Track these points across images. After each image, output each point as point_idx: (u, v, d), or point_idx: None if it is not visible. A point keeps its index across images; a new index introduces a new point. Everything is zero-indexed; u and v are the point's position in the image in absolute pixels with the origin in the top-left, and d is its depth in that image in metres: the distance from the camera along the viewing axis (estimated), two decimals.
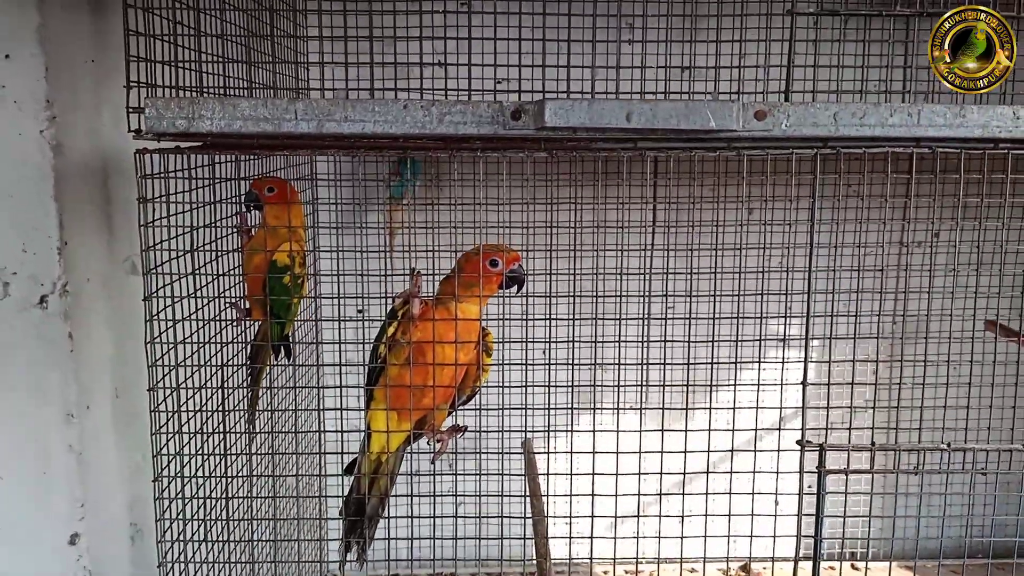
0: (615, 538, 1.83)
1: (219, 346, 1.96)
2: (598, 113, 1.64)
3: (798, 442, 1.85)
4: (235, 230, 2.32)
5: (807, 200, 1.80)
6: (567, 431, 2.12)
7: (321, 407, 1.79)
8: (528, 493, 2.74)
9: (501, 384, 1.86)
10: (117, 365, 2.96)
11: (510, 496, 1.98)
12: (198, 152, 1.82)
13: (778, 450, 1.88)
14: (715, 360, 1.81)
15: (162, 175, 1.78)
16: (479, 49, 2.12)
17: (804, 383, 1.83)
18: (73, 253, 2.95)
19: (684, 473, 1.87)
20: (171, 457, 1.85)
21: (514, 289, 1.94)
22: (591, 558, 1.75)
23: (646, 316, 1.82)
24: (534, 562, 2.39)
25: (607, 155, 1.79)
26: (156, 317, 1.81)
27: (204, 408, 1.90)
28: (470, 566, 2.90)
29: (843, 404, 1.97)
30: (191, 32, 1.87)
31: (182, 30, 1.85)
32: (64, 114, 2.86)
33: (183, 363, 1.84)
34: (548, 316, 1.85)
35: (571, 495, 1.84)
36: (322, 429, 1.86)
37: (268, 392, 2.37)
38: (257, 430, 2.34)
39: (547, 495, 2.17)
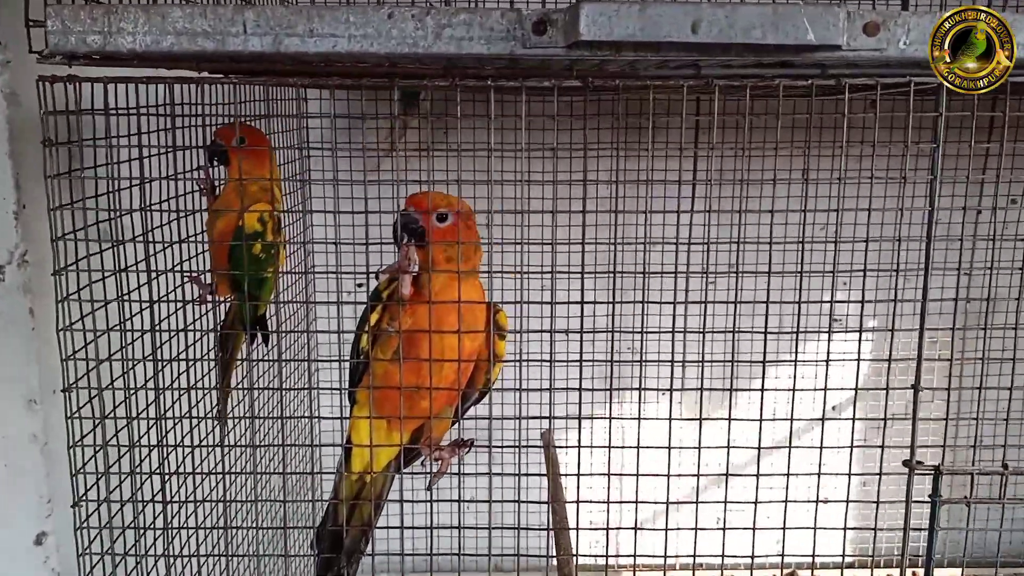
0: (636, 554, 1.40)
1: (162, 335, 1.54)
2: (653, 21, 1.19)
3: (906, 463, 1.42)
4: (197, 188, 1.91)
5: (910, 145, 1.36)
6: (584, 418, 1.68)
7: (283, 414, 1.37)
8: (549, 498, 2.36)
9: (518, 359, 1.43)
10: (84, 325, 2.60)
11: (509, 498, 1.52)
12: (119, 81, 1.40)
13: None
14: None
15: (76, 112, 1.37)
16: None
17: (916, 387, 1.39)
18: (33, 218, 2.57)
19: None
20: (98, 476, 1.45)
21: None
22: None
23: (703, 298, 1.39)
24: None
25: (661, 84, 1.34)
26: (72, 297, 1.41)
27: (142, 415, 1.50)
28: None
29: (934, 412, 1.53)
30: None
31: None
32: (19, 58, 2.45)
33: (114, 356, 1.44)
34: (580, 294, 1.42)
35: (608, 501, 1.42)
36: (283, 443, 1.44)
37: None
38: (227, 438, 1.95)
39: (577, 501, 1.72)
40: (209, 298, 1.91)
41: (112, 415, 1.50)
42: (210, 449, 1.71)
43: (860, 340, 1.39)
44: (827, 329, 1.38)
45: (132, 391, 1.53)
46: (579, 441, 1.44)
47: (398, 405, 1.45)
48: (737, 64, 1.32)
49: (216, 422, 1.95)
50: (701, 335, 1.43)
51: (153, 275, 1.59)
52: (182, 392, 1.60)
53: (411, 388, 1.45)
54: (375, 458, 1.54)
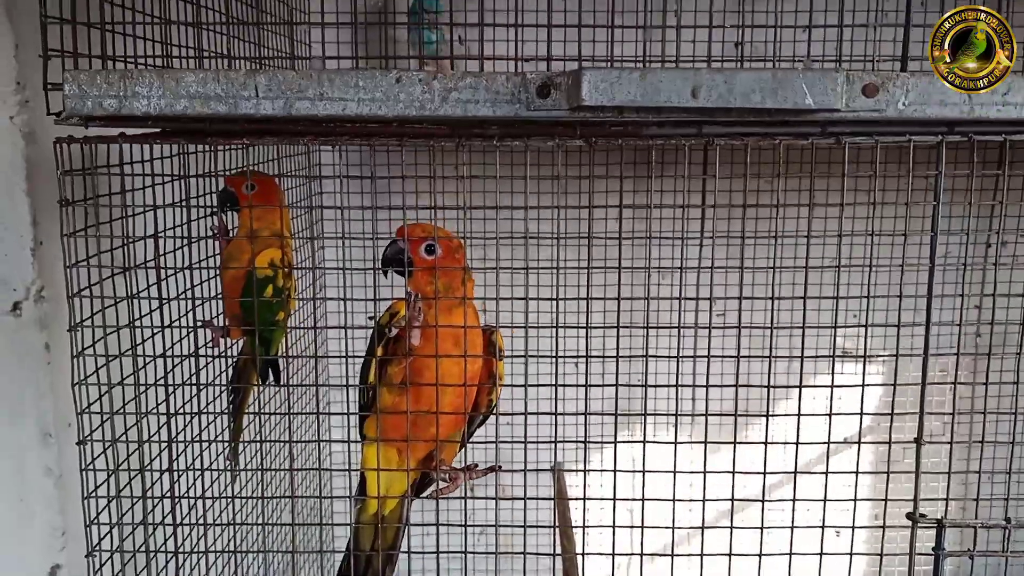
0: None
1: (169, 388, 1.56)
2: (653, 87, 1.22)
3: (909, 515, 1.42)
4: (212, 235, 1.95)
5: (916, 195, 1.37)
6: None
7: (292, 466, 1.38)
8: (557, 532, 2.35)
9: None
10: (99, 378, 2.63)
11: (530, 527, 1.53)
12: (132, 141, 1.43)
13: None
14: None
15: (91, 171, 1.40)
16: (504, 20, 1.68)
17: (919, 440, 1.40)
18: (49, 254, 2.61)
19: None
20: (112, 526, 1.48)
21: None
22: None
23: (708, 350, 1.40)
24: None
25: (663, 143, 1.37)
26: (87, 352, 1.44)
27: (149, 467, 1.52)
28: None
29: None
30: None
31: None
32: (37, 98, 2.50)
33: (122, 410, 1.47)
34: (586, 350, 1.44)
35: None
36: (292, 494, 1.46)
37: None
38: (239, 468, 1.97)
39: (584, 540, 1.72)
40: (222, 342, 1.94)
41: (125, 464, 1.52)
42: (217, 499, 1.73)
43: (863, 395, 1.40)
44: (830, 385, 1.39)
45: (144, 440, 1.55)
46: (585, 467, 1.45)
47: (406, 432, 1.48)
48: (735, 124, 1.34)
49: (227, 466, 1.97)
50: (706, 381, 1.45)
51: (155, 329, 1.62)
52: (191, 442, 1.63)
53: (419, 410, 1.46)
54: (389, 489, 1.57)
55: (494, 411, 1.66)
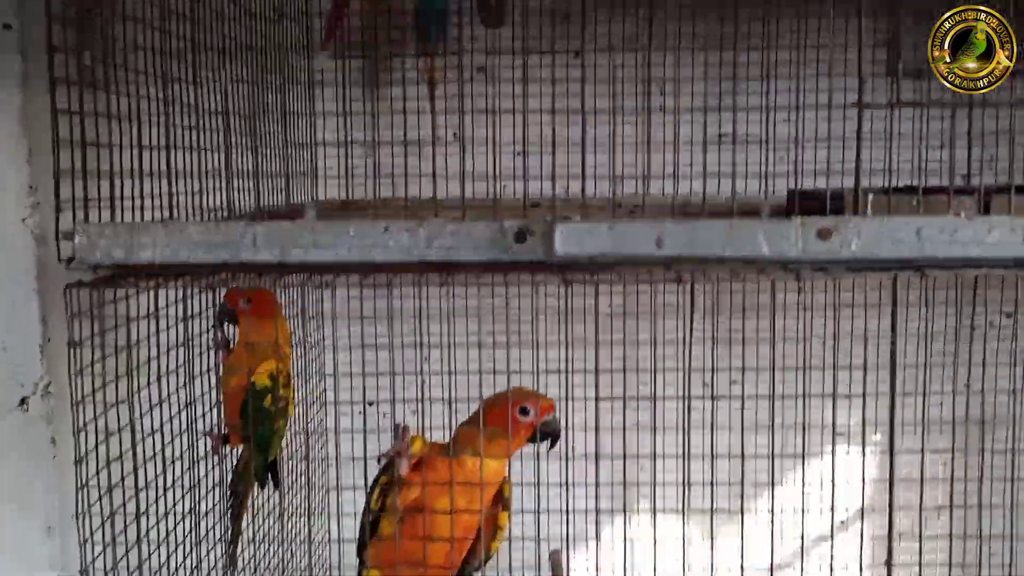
0: None
1: (159, 514, 1.64)
2: (621, 238, 1.32)
3: None
4: (213, 346, 2.04)
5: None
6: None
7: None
8: None
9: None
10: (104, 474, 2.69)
11: None
12: (134, 287, 1.52)
13: None
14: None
15: (98, 313, 1.49)
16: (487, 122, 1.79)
17: (890, 535, 1.47)
18: (56, 351, 2.69)
19: None
20: None
21: (546, 445, 1.64)
22: None
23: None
24: None
25: (636, 279, 1.46)
26: (90, 484, 1.51)
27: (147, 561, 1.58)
28: None
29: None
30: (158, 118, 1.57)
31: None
32: (48, 201, 2.62)
33: (117, 539, 1.54)
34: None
35: None
36: None
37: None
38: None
39: None
40: (222, 450, 2.02)
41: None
42: None
43: (833, 492, 1.46)
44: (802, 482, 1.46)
45: (140, 539, 1.61)
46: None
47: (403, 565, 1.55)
48: (703, 262, 1.43)
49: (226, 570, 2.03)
50: (688, 479, 1.51)
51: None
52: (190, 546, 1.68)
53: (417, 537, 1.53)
54: None
55: (493, 554, 1.73)
